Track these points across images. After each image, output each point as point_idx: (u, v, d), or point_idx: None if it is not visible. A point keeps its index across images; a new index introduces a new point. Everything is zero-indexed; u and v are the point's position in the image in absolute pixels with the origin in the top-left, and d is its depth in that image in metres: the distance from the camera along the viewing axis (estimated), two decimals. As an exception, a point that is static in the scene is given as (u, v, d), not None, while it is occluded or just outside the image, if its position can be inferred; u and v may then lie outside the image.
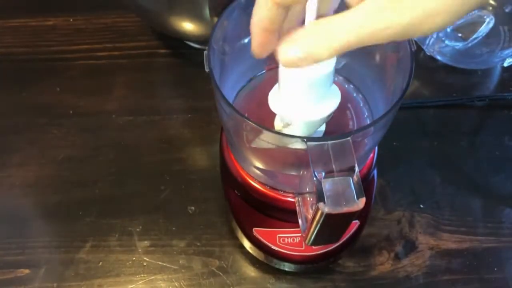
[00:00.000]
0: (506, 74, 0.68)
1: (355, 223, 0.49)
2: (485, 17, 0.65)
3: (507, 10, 0.67)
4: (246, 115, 0.41)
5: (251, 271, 0.54)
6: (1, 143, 0.62)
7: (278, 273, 0.53)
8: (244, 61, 0.46)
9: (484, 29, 0.65)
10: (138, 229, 0.56)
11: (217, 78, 0.37)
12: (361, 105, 0.46)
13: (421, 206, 0.57)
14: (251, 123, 0.35)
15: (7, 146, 0.62)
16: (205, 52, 0.37)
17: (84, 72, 0.68)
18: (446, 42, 0.64)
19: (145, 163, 0.60)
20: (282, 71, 0.35)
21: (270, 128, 0.36)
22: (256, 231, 0.49)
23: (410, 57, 0.36)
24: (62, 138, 0.62)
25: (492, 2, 0.68)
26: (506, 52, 0.63)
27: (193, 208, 0.57)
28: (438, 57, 0.67)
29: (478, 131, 0.64)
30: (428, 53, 0.67)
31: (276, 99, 0.38)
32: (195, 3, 0.57)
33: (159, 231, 0.56)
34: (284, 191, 0.45)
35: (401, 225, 0.56)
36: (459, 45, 0.64)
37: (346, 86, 0.47)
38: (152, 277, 0.53)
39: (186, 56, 0.69)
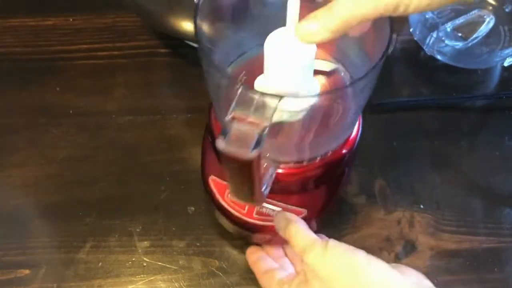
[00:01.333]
0: (506, 73, 0.68)
1: (301, 212, 0.49)
2: (485, 16, 0.65)
3: (507, 10, 0.67)
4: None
5: (251, 272, 0.54)
6: (1, 143, 0.62)
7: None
8: (235, 34, 0.46)
9: (484, 28, 0.65)
10: (138, 230, 0.56)
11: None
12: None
13: (421, 206, 0.57)
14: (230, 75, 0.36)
15: (7, 146, 0.62)
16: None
17: (84, 72, 0.68)
18: (446, 41, 0.64)
19: (145, 163, 0.60)
20: (269, 59, 0.38)
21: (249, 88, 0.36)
22: (212, 180, 0.50)
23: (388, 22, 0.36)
24: (62, 138, 0.62)
25: (493, 2, 0.68)
26: (506, 51, 0.62)
27: (193, 208, 0.57)
28: (438, 57, 0.66)
29: (478, 131, 0.63)
30: (428, 53, 0.67)
31: (262, 87, 0.41)
32: (194, 2, 0.56)
33: (159, 232, 0.56)
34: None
35: (401, 225, 0.56)
36: (459, 44, 0.64)
37: (346, 80, 0.47)
38: (152, 278, 0.53)
39: (186, 55, 0.69)
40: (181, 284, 0.53)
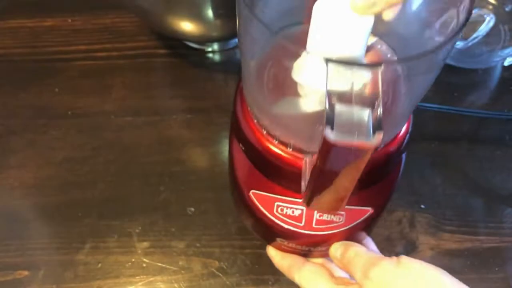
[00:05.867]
0: (506, 73, 0.68)
1: (367, 210, 0.42)
2: (485, 16, 0.65)
3: (507, 9, 0.67)
4: (270, 63, 0.37)
5: (251, 272, 0.53)
6: (0, 144, 0.62)
7: (278, 275, 0.53)
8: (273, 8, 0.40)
9: (484, 28, 0.65)
10: (137, 230, 0.56)
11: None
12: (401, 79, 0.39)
13: (422, 206, 0.57)
14: (283, 40, 0.30)
15: (6, 148, 0.61)
16: None
17: (83, 73, 0.68)
18: (446, 41, 0.64)
19: (144, 164, 0.60)
20: (317, 27, 0.32)
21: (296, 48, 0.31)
22: (254, 194, 0.42)
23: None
24: (61, 139, 0.62)
25: (493, 1, 0.68)
26: (507, 51, 0.62)
27: (192, 209, 0.57)
28: (438, 57, 0.66)
29: (478, 129, 0.63)
30: (428, 53, 0.67)
31: (301, 69, 0.35)
32: (193, 3, 0.56)
33: (158, 232, 0.56)
34: (294, 149, 0.39)
35: (401, 225, 0.56)
36: (459, 44, 0.64)
37: (389, 55, 0.41)
38: (152, 279, 0.53)
39: (185, 56, 0.69)
40: (181, 285, 0.53)
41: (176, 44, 0.69)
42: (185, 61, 0.69)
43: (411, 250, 0.54)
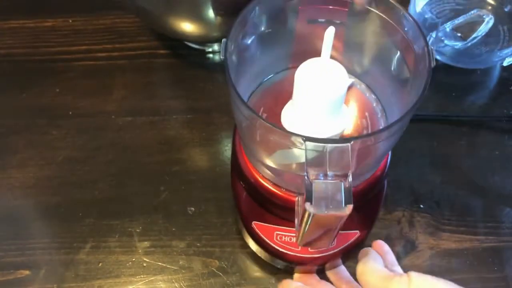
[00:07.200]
0: (505, 73, 0.68)
1: (355, 233, 0.48)
2: (484, 16, 0.65)
3: (506, 10, 0.67)
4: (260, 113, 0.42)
5: (251, 272, 0.54)
6: (1, 144, 0.62)
7: (279, 274, 0.53)
8: (256, 63, 0.45)
9: (483, 28, 0.65)
10: (138, 230, 0.56)
11: (233, 78, 0.37)
12: (379, 116, 0.45)
13: (421, 206, 0.57)
14: (262, 121, 0.34)
15: (7, 147, 0.62)
16: (221, 50, 0.37)
17: (84, 73, 0.68)
18: (445, 41, 0.64)
19: (144, 164, 0.60)
20: (299, 90, 0.38)
21: (279, 126, 0.36)
22: (256, 225, 0.49)
23: (427, 71, 0.36)
24: (62, 139, 0.62)
25: (492, 2, 0.68)
26: (506, 51, 0.63)
27: (192, 208, 0.57)
28: (437, 57, 0.66)
29: (477, 130, 0.63)
30: (427, 53, 0.67)
31: (288, 118, 0.40)
32: (194, 3, 0.57)
33: (159, 232, 0.56)
34: (287, 190, 0.44)
35: (401, 225, 0.56)
36: (458, 44, 0.64)
37: (367, 95, 0.46)
38: (152, 278, 0.53)
39: (185, 56, 0.69)
40: (181, 284, 0.53)
41: (176, 44, 0.70)
42: (185, 61, 0.69)
43: (410, 249, 0.55)
